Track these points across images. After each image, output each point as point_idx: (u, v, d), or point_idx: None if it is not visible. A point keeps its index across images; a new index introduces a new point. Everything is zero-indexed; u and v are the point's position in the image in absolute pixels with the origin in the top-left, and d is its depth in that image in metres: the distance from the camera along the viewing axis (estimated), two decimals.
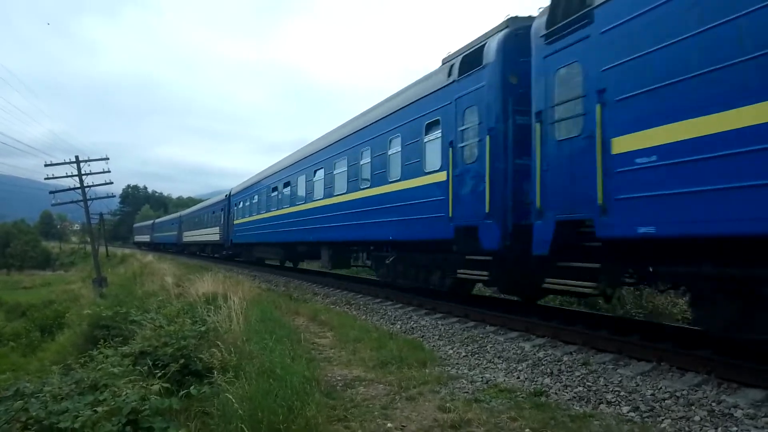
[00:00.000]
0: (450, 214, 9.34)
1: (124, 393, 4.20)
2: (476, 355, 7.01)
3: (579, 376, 5.77)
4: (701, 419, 4.41)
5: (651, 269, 6.48)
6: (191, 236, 43.78)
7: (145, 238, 77.13)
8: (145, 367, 5.46)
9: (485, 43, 8.82)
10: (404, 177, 11.18)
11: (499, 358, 6.81)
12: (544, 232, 7.17)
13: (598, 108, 6.22)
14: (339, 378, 5.90)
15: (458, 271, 9.34)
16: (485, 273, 8.62)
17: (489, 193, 8.30)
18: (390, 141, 11.89)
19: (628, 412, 4.67)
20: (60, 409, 4.02)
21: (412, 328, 9.20)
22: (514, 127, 8.26)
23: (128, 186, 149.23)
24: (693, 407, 4.66)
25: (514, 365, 6.39)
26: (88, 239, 51.92)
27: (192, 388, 4.80)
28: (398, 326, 9.45)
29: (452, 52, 9.99)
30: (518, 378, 5.91)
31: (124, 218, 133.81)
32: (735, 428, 4.20)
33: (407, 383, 5.55)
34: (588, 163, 6.40)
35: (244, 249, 29.11)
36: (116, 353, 6.13)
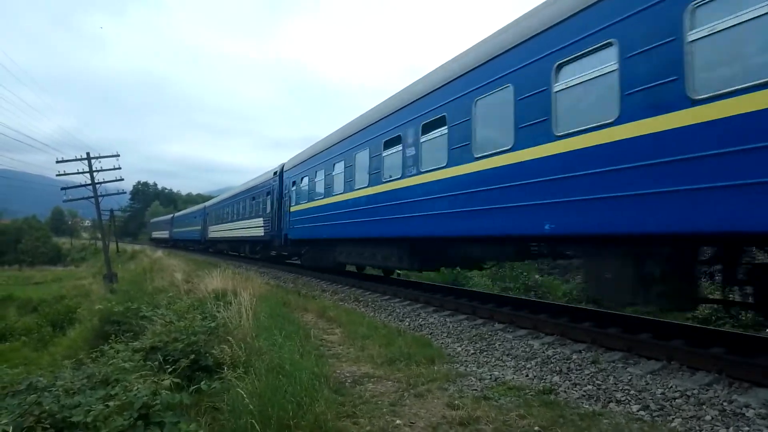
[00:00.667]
0: None
1: (136, 388, 4.23)
2: (485, 353, 7.00)
3: (588, 374, 5.75)
4: (712, 418, 4.38)
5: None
6: (220, 231, 35.37)
7: (164, 234, 69.79)
8: (156, 363, 5.50)
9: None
10: None
11: (507, 355, 6.80)
12: None
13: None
14: (347, 374, 5.92)
15: None
16: None
17: None
18: None
19: (637, 411, 4.65)
20: (72, 403, 4.05)
21: (420, 325, 9.21)
22: None
23: (138, 182, 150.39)
24: (704, 406, 4.64)
25: (523, 363, 6.39)
26: (99, 235, 52.31)
27: (202, 383, 4.83)
28: (406, 323, 9.47)
29: None
30: (527, 376, 5.90)
31: (134, 215, 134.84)
32: (747, 428, 4.17)
33: (416, 380, 5.56)
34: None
35: (310, 248, 19.47)
36: (127, 348, 6.17)
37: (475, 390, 5.28)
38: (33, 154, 57.62)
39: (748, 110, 4.84)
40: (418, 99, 10.77)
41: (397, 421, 4.43)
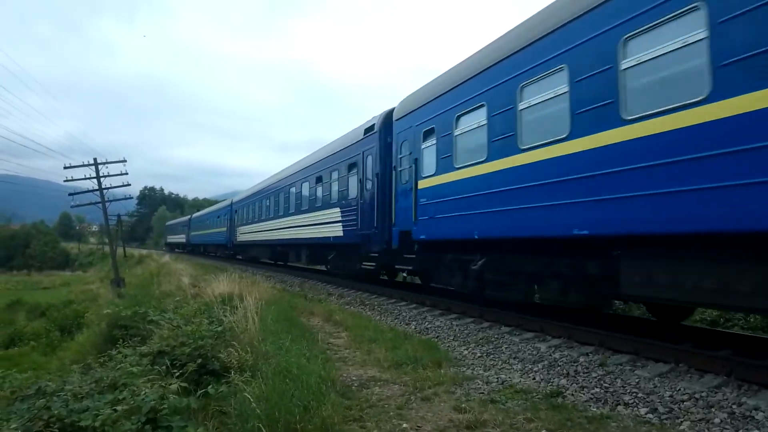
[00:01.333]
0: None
1: (143, 392, 4.25)
2: (491, 356, 6.98)
3: (596, 377, 5.73)
4: (721, 421, 4.35)
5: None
6: (256, 233, 26.67)
7: (180, 238, 62.88)
8: (163, 367, 5.52)
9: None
10: None
11: (514, 358, 6.78)
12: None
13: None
14: (354, 378, 5.92)
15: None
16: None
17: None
18: None
19: (646, 414, 4.62)
20: (81, 407, 4.08)
21: (427, 328, 9.20)
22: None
23: (145, 187, 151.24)
24: (713, 409, 4.61)
25: (530, 366, 6.36)
26: (106, 240, 52.63)
27: (210, 387, 4.84)
28: (413, 327, 9.46)
29: None
30: (534, 379, 5.88)
31: (141, 219, 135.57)
32: (756, 431, 4.14)
33: (422, 384, 5.55)
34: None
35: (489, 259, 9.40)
36: (135, 353, 6.21)
37: (482, 393, 5.27)
38: (41, 159, 58.22)
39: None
40: None
41: (404, 425, 4.43)
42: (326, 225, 17.09)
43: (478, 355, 7.10)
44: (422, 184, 11.06)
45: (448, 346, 7.66)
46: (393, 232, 12.54)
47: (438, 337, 8.42)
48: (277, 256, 26.83)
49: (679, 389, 5.15)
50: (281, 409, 4.19)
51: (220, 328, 6.89)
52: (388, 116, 13.51)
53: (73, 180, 35.14)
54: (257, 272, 22.81)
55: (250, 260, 32.58)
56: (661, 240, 6.04)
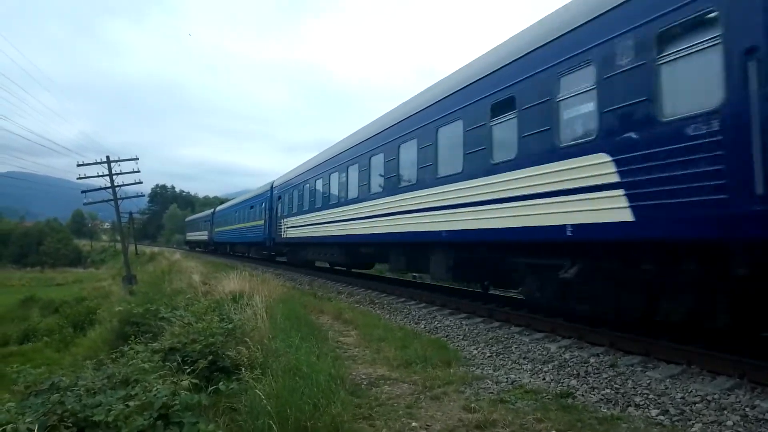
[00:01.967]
0: None
1: (155, 388, 4.28)
2: (501, 356, 6.97)
3: (606, 378, 5.70)
4: (734, 424, 4.31)
5: None
6: (318, 227, 18.48)
7: (201, 235, 55.17)
8: (175, 363, 5.57)
9: None
10: None
11: (524, 358, 6.76)
12: None
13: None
14: (364, 376, 5.93)
15: None
16: None
17: None
18: None
19: (657, 416, 4.59)
20: (94, 402, 4.12)
21: (436, 327, 9.19)
22: None
23: (156, 185, 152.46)
24: (725, 411, 4.57)
25: (540, 366, 6.34)
26: (118, 237, 53.07)
27: (220, 384, 4.87)
28: (422, 326, 9.46)
29: None
30: (544, 379, 5.86)
31: (152, 217, 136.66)
32: None
33: (432, 383, 5.56)
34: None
35: None
36: (146, 349, 6.26)
37: (492, 393, 5.26)
38: (54, 157, 58.80)
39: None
40: None
41: (413, 424, 4.43)
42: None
43: (488, 354, 7.08)
44: None
45: (458, 346, 7.65)
46: None
47: (447, 336, 8.41)
48: (356, 260, 17.75)
49: (691, 391, 5.11)
50: (291, 406, 4.21)
51: (230, 326, 6.93)
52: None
53: (86, 178, 35.46)
54: (267, 270, 22.91)
55: (300, 264, 23.44)
56: None
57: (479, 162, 9.33)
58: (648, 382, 5.47)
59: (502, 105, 8.79)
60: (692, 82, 5.64)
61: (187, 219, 75.99)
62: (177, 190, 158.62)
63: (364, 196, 14.67)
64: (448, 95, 10.63)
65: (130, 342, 7.13)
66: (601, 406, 4.87)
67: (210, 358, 5.71)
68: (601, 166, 6.61)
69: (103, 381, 5.01)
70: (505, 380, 5.76)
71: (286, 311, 9.11)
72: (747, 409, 4.59)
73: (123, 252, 38.99)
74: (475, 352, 7.28)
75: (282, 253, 27.64)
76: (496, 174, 8.74)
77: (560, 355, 6.75)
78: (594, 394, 5.22)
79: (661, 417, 4.56)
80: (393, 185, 12.84)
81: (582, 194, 6.90)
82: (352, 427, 4.24)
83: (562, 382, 5.68)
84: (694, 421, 4.42)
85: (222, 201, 75.59)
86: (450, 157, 10.33)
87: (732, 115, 5.10)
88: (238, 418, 4.48)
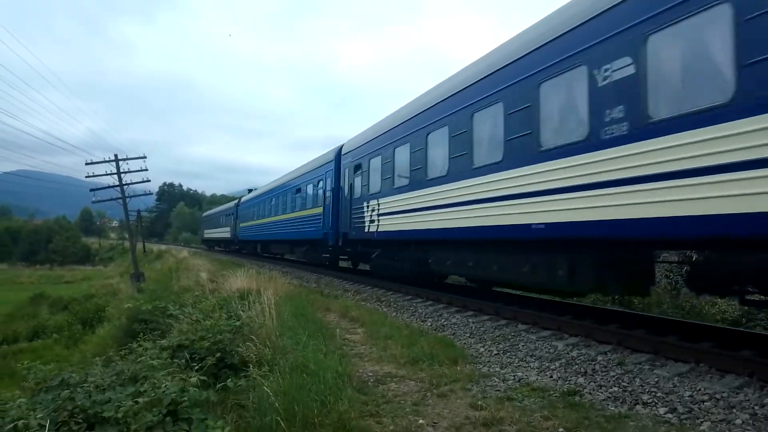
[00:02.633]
0: None
1: (164, 385, 4.32)
2: (508, 354, 6.96)
3: (614, 376, 5.68)
4: (743, 422, 4.29)
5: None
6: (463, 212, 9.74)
7: (222, 232, 46.38)
8: (183, 360, 5.61)
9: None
10: None
11: (531, 356, 6.75)
12: None
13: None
14: (370, 374, 5.94)
15: None
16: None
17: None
18: None
19: (665, 414, 4.57)
20: (103, 399, 4.16)
21: (443, 325, 9.19)
22: None
23: (164, 183, 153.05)
24: (734, 410, 4.54)
25: (547, 364, 6.33)
26: (126, 235, 53.40)
27: (228, 381, 4.91)
28: (429, 323, 9.46)
29: None
30: (551, 377, 5.84)
31: (160, 215, 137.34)
32: None
33: (438, 380, 5.56)
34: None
35: None
36: (155, 346, 6.31)
37: (499, 391, 5.26)
38: (63, 156, 59.27)
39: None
40: None
41: (420, 421, 4.44)
42: None
43: (495, 352, 7.08)
44: None
45: (465, 344, 7.65)
46: None
47: (454, 334, 8.41)
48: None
49: (700, 389, 5.08)
50: (299, 403, 4.24)
51: (238, 323, 6.97)
52: None
53: (94, 176, 35.69)
54: (274, 268, 22.96)
55: (409, 279, 13.90)
56: None
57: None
58: (656, 380, 5.45)
59: None
60: None
61: (205, 214, 66.63)
62: (185, 188, 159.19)
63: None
64: None
65: (138, 339, 7.19)
66: (608, 405, 4.86)
67: (218, 355, 5.75)
68: None
69: (112, 378, 5.05)
70: (512, 378, 5.76)
71: (293, 309, 9.14)
72: (756, 407, 4.56)
73: (131, 250, 39.23)
74: (482, 349, 7.27)
75: (356, 257, 18.84)
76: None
77: (567, 353, 6.73)
78: (601, 392, 5.21)
79: (669, 415, 4.54)
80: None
81: None
82: (359, 424, 4.26)
83: (570, 380, 5.67)
84: (702, 420, 4.40)
85: (229, 199, 70.12)
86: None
87: None
88: (246, 415, 4.51)
